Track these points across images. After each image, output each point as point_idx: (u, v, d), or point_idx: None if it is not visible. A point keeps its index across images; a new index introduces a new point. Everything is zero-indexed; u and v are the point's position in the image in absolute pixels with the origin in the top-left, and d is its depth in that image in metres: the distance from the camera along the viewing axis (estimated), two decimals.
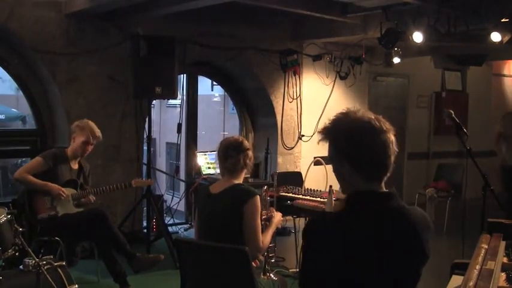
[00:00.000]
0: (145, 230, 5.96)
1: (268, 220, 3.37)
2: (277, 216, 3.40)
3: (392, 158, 1.82)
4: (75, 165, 4.71)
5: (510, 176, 6.06)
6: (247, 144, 3.22)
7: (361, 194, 1.81)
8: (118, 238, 4.53)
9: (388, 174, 1.84)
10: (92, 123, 4.69)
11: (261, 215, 3.24)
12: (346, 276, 1.77)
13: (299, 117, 7.56)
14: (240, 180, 3.19)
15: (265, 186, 3.75)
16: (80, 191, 4.65)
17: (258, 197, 3.07)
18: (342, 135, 1.81)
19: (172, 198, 7.04)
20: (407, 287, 1.82)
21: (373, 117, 1.82)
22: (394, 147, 1.82)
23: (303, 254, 1.86)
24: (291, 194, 4.98)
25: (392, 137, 1.82)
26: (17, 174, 4.51)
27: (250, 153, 3.21)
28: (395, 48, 6.76)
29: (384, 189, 1.85)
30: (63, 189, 4.49)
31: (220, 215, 3.06)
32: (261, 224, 3.21)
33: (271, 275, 3.40)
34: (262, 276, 3.33)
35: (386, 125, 1.81)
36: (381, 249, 1.76)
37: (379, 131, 1.78)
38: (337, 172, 1.88)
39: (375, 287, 1.77)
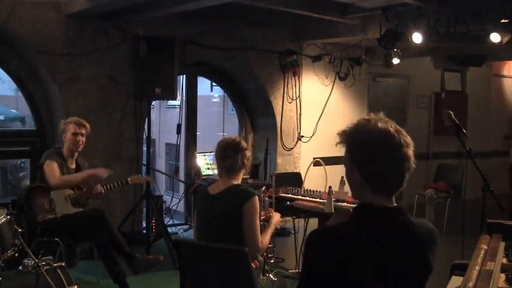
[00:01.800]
0: (144, 231, 5.96)
1: (267, 221, 3.37)
2: (276, 217, 3.40)
3: (407, 175, 1.77)
4: (72, 164, 4.72)
5: None
6: (244, 144, 3.22)
7: (368, 208, 1.79)
8: (117, 239, 4.53)
9: (400, 190, 1.80)
10: (75, 117, 4.77)
11: (260, 216, 3.24)
12: None
13: (298, 118, 7.56)
14: (238, 181, 3.19)
15: (264, 187, 3.75)
16: (77, 191, 4.65)
17: (257, 197, 3.07)
18: (358, 144, 1.77)
19: (172, 199, 7.04)
20: None
21: (393, 129, 1.75)
22: (411, 164, 1.76)
23: (303, 264, 1.84)
24: (290, 195, 4.98)
25: (410, 153, 1.76)
26: (54, 183, 4.48)
27: (247, 153, 3.21)
28: (395, 49, 6.76)
29: (393, 204, 1.82)
30: (102, 170, 4.61)
31: (219, 215, 3.06)
32: (260, 225, 3.21)
33: (270, 275, 3.40)
34: (261, 277, 3.33)
35: (406, 140, 1.75)
36: (383, 265, 1.75)
37: (397, 146, 1.73)
38: (348, 177, 1.86)
39: None
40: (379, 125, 1.75)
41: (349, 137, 1.80)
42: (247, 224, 3.01)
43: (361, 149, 1.76)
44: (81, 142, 4.67)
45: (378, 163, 1.74)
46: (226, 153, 3.15)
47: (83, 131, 4.68)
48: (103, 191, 4.70)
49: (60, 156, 4.65)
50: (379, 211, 1.79)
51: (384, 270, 1.76)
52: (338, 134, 1.84)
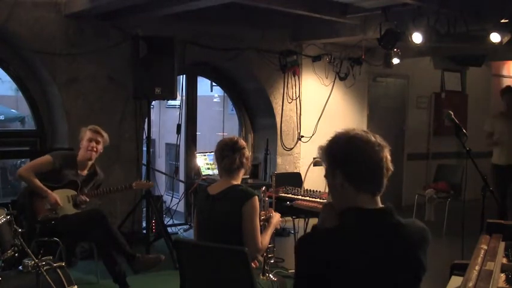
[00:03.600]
0: (144, 231, 5.95)
1: (267, 221, 3.36)
2: (276, 217, 3.40)
3: (386, 172, 1.83)
4: (83, 172, 4.69)
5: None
6: (242, 143, 3.21)
7: (355, 211, 1.82)
8: (117, 238, 4.53)
9: (382, 188, 1.84)
10: (94, 125, 4.74)
11: (260, 216, 3.24)
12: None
13: (298, 118, 7.56)
14: (238, 181, 3.18)
15: (264, 187, 3.75)
16: (79, 193, 4.64)
17: (257, 197, 3.07)
18: (335, 146, 1.86)
19: (172, 199, 7.05)
20: None
21: (369, 133, 1.87)
22: (388, 164, 1.84)
23: (295, 268, 1.87)
24: (290, 195, 4.98)
25: (386, 153, 1.84)
26: (23, 172, 4.48)
27: (246, 152, 3.20)
28: (395, 49, 6.76)
29: (379, 205, 1.85)
30: (58, 200, 4.49)
31: (219, 216, 3.06)
32: (260, 225, 3.20)
33: (270, 275, 3.40)
34: (261, 277, 3.33)
35: (381, 141, 1.85)
36: (374, 268, 1.77)
37: (372, 142, 1.83)
38: (330, 186, 1.90)
39: None
40: (354, 131, 1.86)
41: (328, 146, 1.88)
42: (246, 225, 3.01)
43: (339, 147, 1.85)
44: (95, 149, 4.63)
45: (356, 155, 1.82)
46: (224, 153, 3.15)
47: (99, 139, 4.64)
48: (87, 199, 4.65)
49: (72, 161, 4.61)
50: (366, 213, 1.82)
51: (375, 273, 1.77)
52: (318, 150, 1.92)
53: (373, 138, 1.83)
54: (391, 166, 1.84)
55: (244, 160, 3.18)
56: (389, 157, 1.84)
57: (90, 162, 4.71)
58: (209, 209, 3.11)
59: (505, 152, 6.18)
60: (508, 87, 6.63)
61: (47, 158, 4.55)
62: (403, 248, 1.81)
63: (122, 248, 4.54)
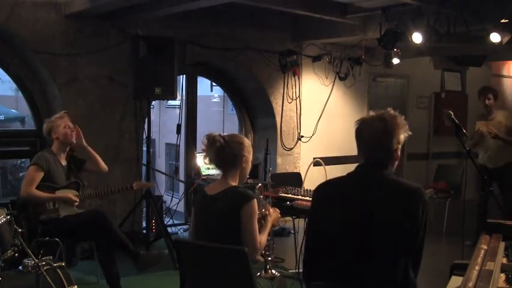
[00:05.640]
0: (144, 231, 5.95)
1: (264, 219, 3.34)
2: (274, 214, 3.37)
3: (377, 146, 2.38)
4: (63, 161, 4.65)
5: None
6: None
7: (358, 165, 2.47)
8: (121, 238, 4.50)
9: (372, 158, 2.41)
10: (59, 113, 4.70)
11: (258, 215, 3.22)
12: (324, 225, 2.40)
13: (298, 118, 7.56)
14: (236, 182, 3.17)
15: (260, 184, 3.72)
16: (81, 192, 4.64)
17: (255, 200, 3.05)
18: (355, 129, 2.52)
19: (172, 199, 7.04)
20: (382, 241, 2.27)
21: (375, 116, 2.47)
22: (381, 138, 2.40)
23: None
24: (290, 195, 4.97)
25: (380, 134, 2.40)
26: (23, 193, 4.38)
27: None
28: (395, 49, 6.76)
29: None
30: (71, 195, 4.50)
31: (217, 217, 3.04)
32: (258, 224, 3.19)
33: (273, 270, 3.39)
34: (263, 273, 3.32)
35: (385, 124, 2.46)
36: (353, 210, 2.30)
37: (368, 123, 2.44)
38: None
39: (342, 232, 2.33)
40: (370, 114, 2.53)
41: None
42: (245, 227, 2.99)
43: (355, 130, 2.48)
44: (73, 136, 4.60)
45: (356, 134, 2.47)
46: None
47: (71, 122, 4.62)
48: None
49: (52, 156, 4.55)
50: (363, 165, 2.44)
51: (354, 213, 2.29)
52: None
53: (375, 123, 2.43)
54: (385, 142, 2.38)
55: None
56: (388, 136, 2.41)
57: (67, 149, 4.65)
58: (207, 210, 3.10)
59: (484, 154, 6.12)
60: (484, 87, 6.68)
61: (33, 168, 4.43)
62: (388, 192, 2.28)
63: (125, 247, 4.51)
